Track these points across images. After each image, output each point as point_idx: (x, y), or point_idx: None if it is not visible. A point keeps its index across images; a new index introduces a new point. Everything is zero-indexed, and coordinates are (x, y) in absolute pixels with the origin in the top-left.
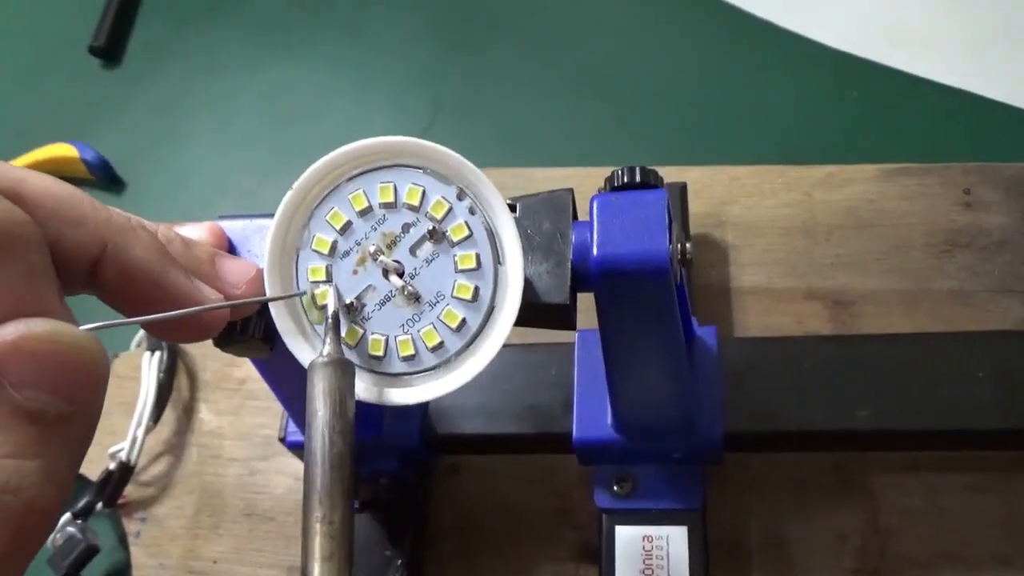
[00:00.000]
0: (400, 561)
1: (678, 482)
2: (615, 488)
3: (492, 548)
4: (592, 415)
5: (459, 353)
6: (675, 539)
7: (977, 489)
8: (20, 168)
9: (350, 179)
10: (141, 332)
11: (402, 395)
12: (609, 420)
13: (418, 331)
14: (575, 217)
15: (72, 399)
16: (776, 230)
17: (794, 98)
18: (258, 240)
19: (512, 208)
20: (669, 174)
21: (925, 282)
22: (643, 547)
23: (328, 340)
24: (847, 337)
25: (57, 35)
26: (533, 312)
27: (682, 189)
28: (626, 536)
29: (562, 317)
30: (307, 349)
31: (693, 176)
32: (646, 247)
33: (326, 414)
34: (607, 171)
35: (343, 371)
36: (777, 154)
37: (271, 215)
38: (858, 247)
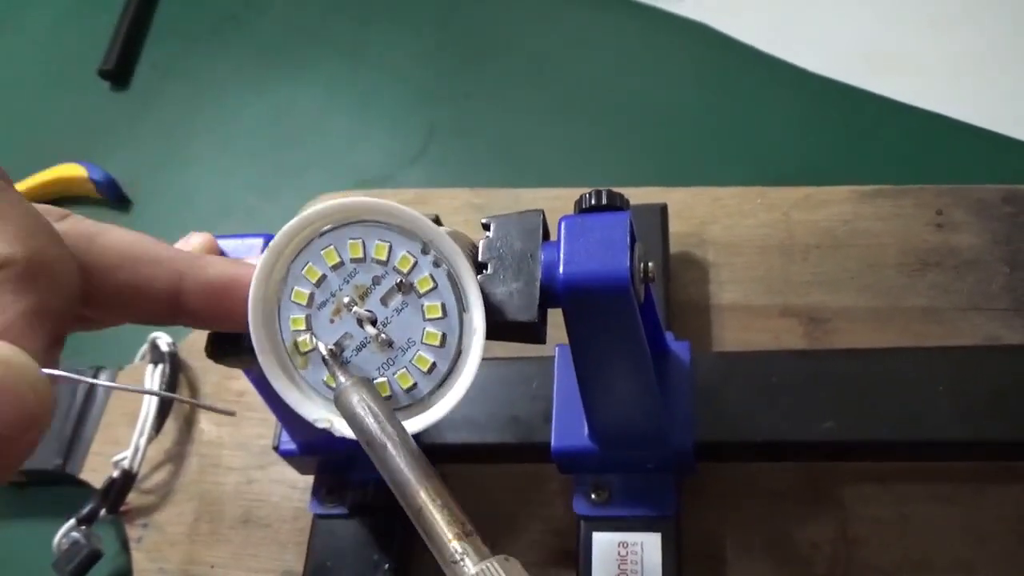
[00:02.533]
0: (388, 565)
1: (652, 491)
2: (592, 496)
3: None
4: (570, 425)
5: (431, 393)
6: (649, 545)
7: (943, 499)
8: (98, 223)
9: (322, 235)
10: (145, 345)
11: None
12: (586, 430)
13: (393, 374)
14: (547, 237)
15: None
16: (755, 249)
17: (777, 121)
18: (252, 258)
19: (486, 227)
20: (653, 195)
21: (897, 300)
22: (618, 552)
23: (338, 371)
24: (815, 352)
25: (68, 59)
26: (504, 328)
27: (662, 210)
28: (602, 542)
29: (532, 333)
30: (296, 393)
31: (676, 197)
32: (608, 266)
33: (375, 420)
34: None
35: (366, 386)
36: (758, 175)
37: (262, 235)
38: (833, 266)
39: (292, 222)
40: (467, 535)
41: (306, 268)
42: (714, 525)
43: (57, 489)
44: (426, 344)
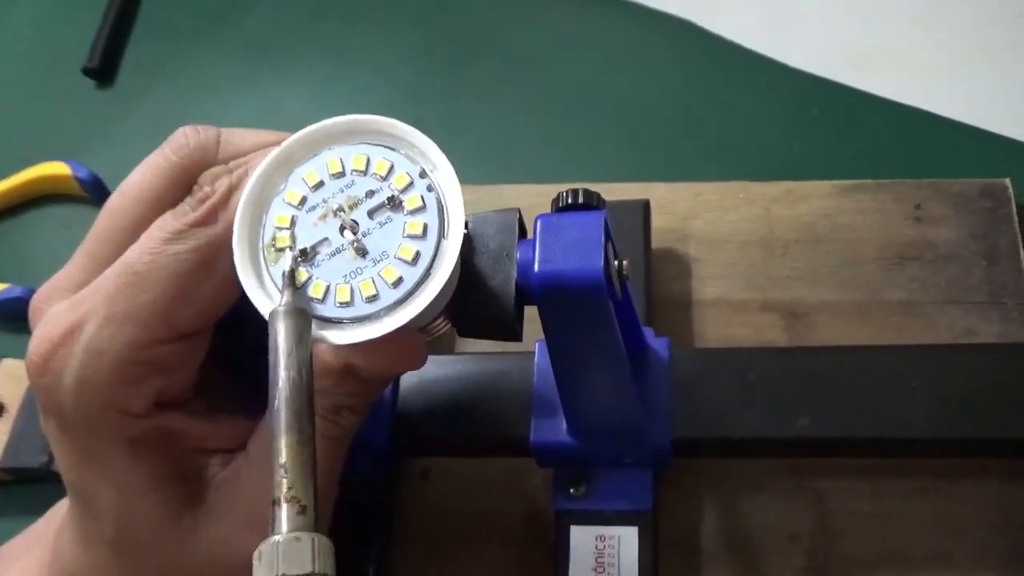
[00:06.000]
0: (370, 563)
1: (630, 485)
2: (570, 490)
3: (462, 549)
4: (548, 420)
5: (389, 308)
6: (626, 539)
7: (921, 492)
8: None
9: (332, 147)
10: None
11: (332, 335)
12: (564, 424)
13: (358, 282)
14: (524, 235)
15: None
16: (736, 244)
17: (760, 117)
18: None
19: (465, 225)
20: (635, 191)
21: (876, 294)
22: (596, 546)
23: (286, 291)
24: (793, 349)
25: (52, 57)
26: (481, 325)
27: (645, 206)
28: (580, 536)
29: (508, 330)
30: (255, 283)
31: (659, 192)
32: (583, 265)
33: (285, 356)
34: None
35: (299, 319)
36: (742, 170)
37: None
38: (813, 260)
39: (311, 129)
40: (289, 501)
41: (308, 173)
42: (692, 518)
43: (42, 487)
44: (398, 258)
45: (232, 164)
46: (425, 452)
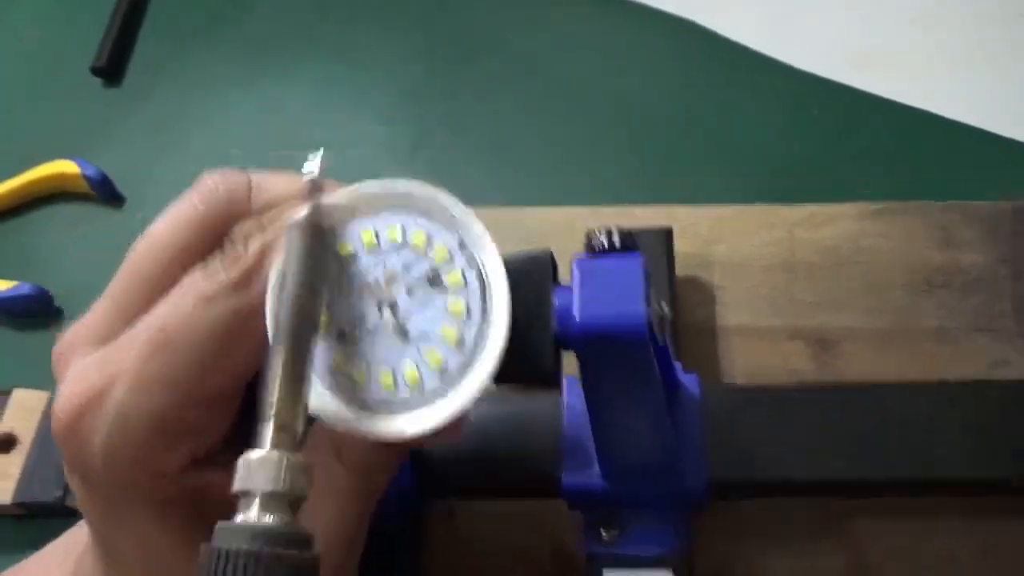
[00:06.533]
0: None
1: (664, 527)
2: (602, 533)
3: None
4: (580, 461)
5: (435, 394)
6: None
7: (957, 531)
8: None
9: (364, 216)
10: None
11: (376, 427)
12: (596, 467)
13: (400, 367)
14: (555, 275)
15: None
16: (759, 269)
17: (764, 118)
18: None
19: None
20: (656, 214)
21: (904, 321)
22: None
23: (309, 201)
24: (826, 386)
25: (60, 57)
26: (518, 375)
27: (667, 234)
28: None
29: (547, 380)
30: None
31: (679, 215)
32: (626, 312)
33: (300, 267)
34: (594, 211)
35: (321, 236)
36: (740, 168)
37: None
38: (838, 285)
39: (343, 193)
40: (273, 418)
41: (340, 244)
42: (725, 559)
43: (56, 521)
44: (441, 341)
45: (265, 219)
46: (451, 494)
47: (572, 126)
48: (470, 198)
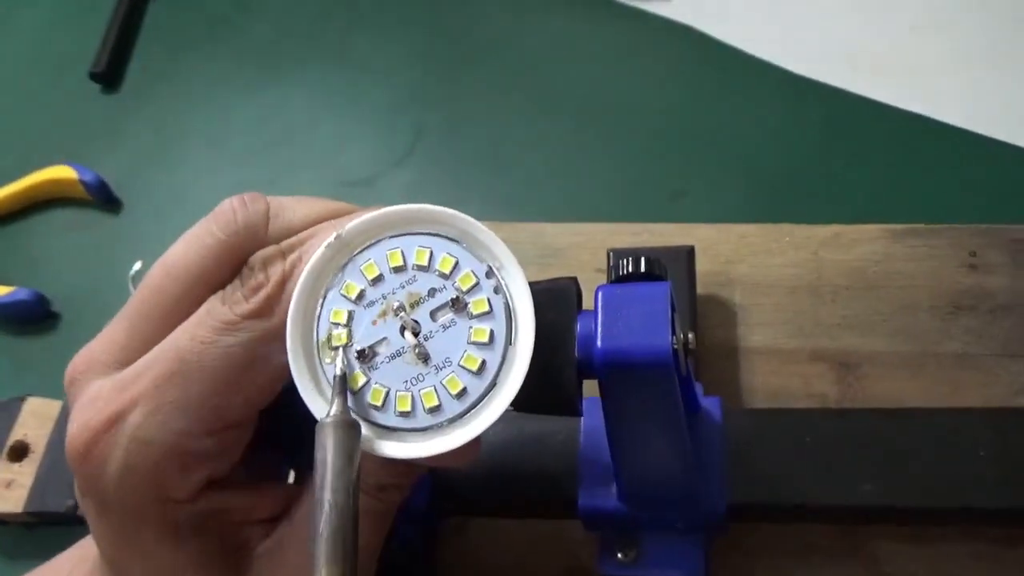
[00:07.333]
0: None
1: (683, 551)
2: (619, 555)
3: None
4: (597, 483)
5: (452, 420)
6: None
7: (978, 557)
8: None
9: (391, 236)
10: None
11: (391, 448)
12: (614, 489)
13: (419, 390)
14: (579, 303)
15: None
16: (783, 289)
17: (761, 122)
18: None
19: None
20: (678, 232)
21: (931, 345)
22: None
23: (336, 400)
24: (849, 411)
25: (59, 62)
26: (539, 403)
27: (689, 253)
28: None
29: (568, 408)
30: (310, 383)
31: (701, 234)
32: (650, 341)
33: (331, 473)
34: (614, 228)
35: (348, 433)
36: (740, 168)
37: None
38: (864, 308)
39: (369, 217)
40: None
41: (367, 264)
42: None
43: (68, 530)
44: (463, 367)
45: (285, 246)
46: (466, 513)
47: (572, 130)
48: (468, 202)
